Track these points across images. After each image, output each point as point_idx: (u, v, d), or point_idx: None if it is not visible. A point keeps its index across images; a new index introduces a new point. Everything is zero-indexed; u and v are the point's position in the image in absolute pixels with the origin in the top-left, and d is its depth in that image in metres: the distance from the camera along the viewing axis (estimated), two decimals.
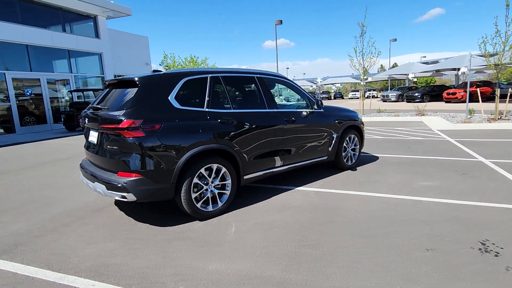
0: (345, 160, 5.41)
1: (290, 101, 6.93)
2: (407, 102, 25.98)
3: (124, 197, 3.14)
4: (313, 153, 4.84)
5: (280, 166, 4.40)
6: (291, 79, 4.90)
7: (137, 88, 3.30)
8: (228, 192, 3.74)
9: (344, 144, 5.35)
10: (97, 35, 17.50)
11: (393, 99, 28.90)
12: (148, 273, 2.52)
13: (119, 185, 3.11)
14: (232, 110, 3.82)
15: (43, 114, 14.59)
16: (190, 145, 3.33)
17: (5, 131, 13.34)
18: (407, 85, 33.90)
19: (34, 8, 14.29)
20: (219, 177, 3.65)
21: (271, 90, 4.54)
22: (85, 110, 3.87)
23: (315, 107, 4.79)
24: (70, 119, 13.48)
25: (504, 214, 3.40)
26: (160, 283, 2.38)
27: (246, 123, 3.88)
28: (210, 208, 3.58)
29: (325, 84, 53.41)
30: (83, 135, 4.05)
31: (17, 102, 13.62)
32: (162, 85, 3.40)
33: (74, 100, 15.76)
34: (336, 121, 5.16)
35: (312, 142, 4.77)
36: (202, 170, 3.46)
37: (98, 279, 2.46)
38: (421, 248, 2.77)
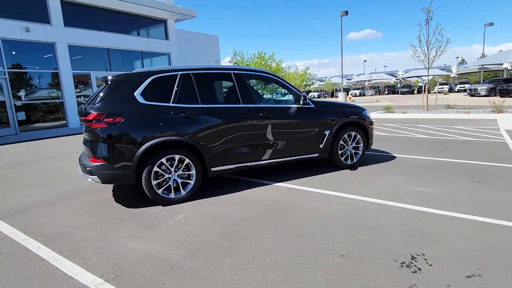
0: (342, 159, 5.11)
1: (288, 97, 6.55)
2: (501, 96, 21.99)
3: (92, 179, 3.68)
4: (299, 150, 4.73)
5: (257, 161, 4.45)
6: (277, 75, 4.86)
7: (107, 85, 3.79)
8: (192, 182, 4.00)
9: (341, 142, 5.06)
10: (166, 37, 19.44)
11: (482, 93, 24.75)
12: (82, 243, 2.97)
13: (88, 169, 3.67)
14: (199, 105, 4.04)
15: None
16: (149, 137, 3.69)
17: None
18: (504, 76, 28.59)
19: (114, 16, 16.65)
20: (182, 168, 3.93)
21: (255, 86, 4.60)
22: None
23: (301, 102, 4.65)
24: None
25: (478, 231, 2.88)
26: (82, 252, 2.80)
27: (214, 118, 4.06)
28: (172, 195, 3.90)
29: (408, 77, 48.63)
30: None
31: None
32: (130, 82, 3.82)
33: None
34: (330, 118, 4.91)
35: (296, 138, 4.66)
36: (163, 160, 3.79)
37: (44, 244, 3.01)
38: (338, 253, 2.59)
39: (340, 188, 4.23)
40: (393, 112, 14.50)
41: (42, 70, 14.23)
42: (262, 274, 2.35)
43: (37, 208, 4.04)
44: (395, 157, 5.87)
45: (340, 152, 5.09)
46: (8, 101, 13.04)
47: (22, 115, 13.49)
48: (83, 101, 15.45)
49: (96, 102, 3.69)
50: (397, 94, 45.75)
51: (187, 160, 3.92)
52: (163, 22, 19.20)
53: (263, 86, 11.25)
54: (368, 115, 5.44)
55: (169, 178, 3.89)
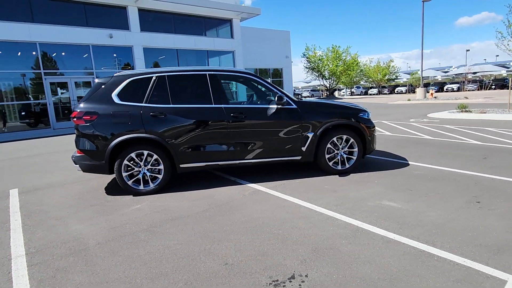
0: (330, 164, 4.75)
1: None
2: None
3: (77, 168, 4.31)
4: (278, 152, 4.59)
5: (231, 161, 4.50)
6: (258, 75, 4.74)
7: (92, 87, 4.36)
8: (160, 177, 4.31)
9: (329, 146, 4.70)
10: (231, 36, 20.35)
11: None
12: (45, 220, 3.57)
13: (73, 159, 4.31)
14: (168, 105, 4.30)
15: None
16: (119, 133, 4.12)
17: None
18: None
19: (183, 19, 18.23)
20: (151, 163, 4.27)
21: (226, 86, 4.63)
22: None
23: (279, 102, 4.47)
24: None
25: (401, 259, 2.43)
26: (37, 227, 3.37)
27: (182, 118, 4.28)
28: (141, 187, 4.28)
29: None
30: None
31: None
32: (110, 84, 4.30)
33: None
34: (314, 120, 4.61)
35: (272, 139, 4.54)
36: (133, 155, 4.19)
37: (22, 216, 3.71)
38: (224, 261, 2.54)
39: (305, 195, 3.98)
40: (469, 111, 12.34)
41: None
42: (137, 269, 2.49)
43: (52, 188, 4.93)
44: (407, 165, 5.14)
45: (327, 156, 4.73)
46: None
47: None
48: None
49: (81, 101, 4.29)
50: (507, 89, 38.23)
51: (155, 156, 4.25)
52: (229, 21, 20.14)
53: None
54: (367, 117, 4.90)
55: (139, 171, 4.28)
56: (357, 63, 36.05)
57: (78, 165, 4.26)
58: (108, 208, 3.88)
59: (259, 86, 4.76)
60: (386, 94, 43.74)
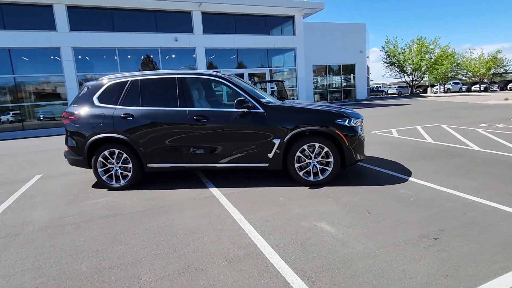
0: (301, 173, 4.32)
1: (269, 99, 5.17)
2: None
3: (67, 162, 4.92)
4: (242, 157, 4.40)
5: (195, 163, 4.52)
6: (227, 77, 4.55)
7: (81, 90, 4.88)
8: (129, 174, 4.60)
9: (299, 154, 4.28)
10: (293, 33, 19.96)
11: None
12: (26, 202, 4.19)
13: (63, 153, 4.93)
14: (137, 108, 4.53)
15: None
16: (93, 133, 4.53)
17: None
18: None
19: (244, 19, 18.68)
20: (122, 161, 4.59)
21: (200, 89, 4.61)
22: None
23: (238, 106, 4.24)
24: None
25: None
26: (11, 208, 3.99)
27: (147, 120, 4.47)
28: (113, 183, 4.65)
29: None
30: None
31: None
32: (93, 87, 4.76)
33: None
34: (282, 125, 4.25)
35: (235, 144, 4.37)
36: (106, 153, 4.57)
37: (15, 197, 4.44)
38: (97, 265, 2.61)
39: (248, 206, 3.73)
40: None
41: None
42: (29, 259, 2.75)
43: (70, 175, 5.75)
44: (404, 181, 4.32)
45: (297, 165, 4.32)
46: None
47: None
48: None
49: (70, 103, 4.86)
50: None
51: (125, 155, 4.55)
52: (291, 18, 19.80)
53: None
54: (348, 123, 4.28)
55: (112, 168, 4.65)
56: (449, 56, 31.04)
57: (67, 159, 4.86)
58: (77, 199, 4.34)
59: (230, 89, 4.59)
60: (495, 90, 36.63)
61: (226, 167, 4.51)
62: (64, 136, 4.89)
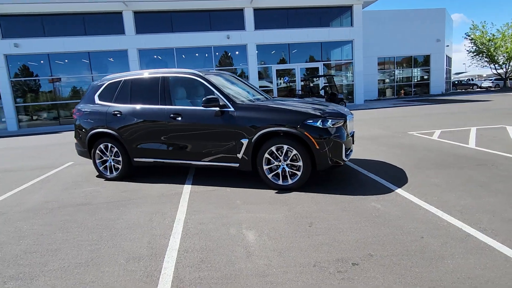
0: (270, 176, 4.09)
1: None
2: None
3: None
4: (215, 156, 4.36)
5: (173, 160, 4.65)
6: (203, 76, 4.48)
7: (87, 88, 5.42)
8: (120, 167, 4.97)
9: (267, 156, 4.05)
10: (351, 24, 18.64)
11: None
12: (44, 186, 4.89)
13: (74, 145, 5.56)
14: (125, 105, 4.84)
15: (291, 96, 18.71)
16: (91, 128, 5.02)
17: None
18: None
19: (297, 12, 18.17)
20: (114, 154, 4.98)
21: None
22: None
23: (205, 105, 4.17)
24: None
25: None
26: (29, 191, 4.70)
27: (132, 117, 4.75)
28: (108, 174, 5.09)
29: None
30: None
31: (278, 86, 18.70)
32: (96, 86, 5.24)
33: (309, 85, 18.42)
34: (250, 125, 4.07)
35: (206, 143, 4.35)
36: (102, 146, 5.02)
37: (37, 180, 5.21)
38: (24, 249, 2.92)
39: (196, 205, 3.71)
40: None
41: (237, 66, 18.42)
42: None
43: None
44: (388, 192, 3.74)
45: (266, 167, 4.10)
46: None
47: None
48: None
49: (80, 101, 5.45)
50: None
51: (115, 149, 4.94)
52: (349, 8, 18.51)
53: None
54: (321, 125, 3.86)
55: (107, 160, 5.08)
56: None
57: (76, 150, 5.49)
58: (73, 187, 4.87)
59: (205, 86, 4.55)
60: None
61: (201, 165, 4.53)
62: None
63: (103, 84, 5.18)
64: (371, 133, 8.28)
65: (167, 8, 17.05)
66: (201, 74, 4.59)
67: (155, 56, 17.92)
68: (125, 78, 5.02)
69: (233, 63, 18.49)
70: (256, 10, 17.63)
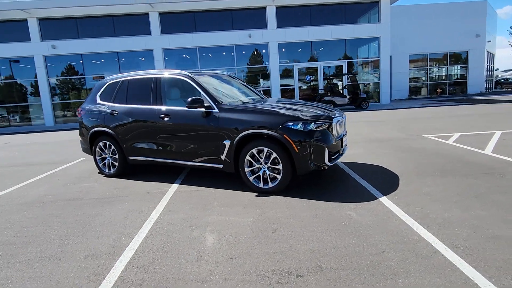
0: (251, 179, 4.04)
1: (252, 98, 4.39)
2: None
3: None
4: (201, 157, 4.39)
5: (164, 159, 4.75)
6: (191, 76, 4.49)
7: (91, 89, 5.68)
8: (117, 164, 5.17)
9: (248, 158, 4.00)
10: (378, 20, 17.85)
11: None
12: (52, 180, 5.23)
13: (79, 142, 5.86)
14: (121, 105, 5.00)
15: (313, 95, 18.29)
16: (92, 126, 5.25)
17: None
18: None
19: (321, 9, 17.71)
20: (111, 152, 5.18)
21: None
22: None
23: (189, 106, 4.18)
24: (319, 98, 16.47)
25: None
26: (34, 185, 5.05)
27: (126, 116, 4.91)
28: (106, 170, 5.31)
29: None
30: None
31: (300, 85, 18.40)
32: (98, 87, 5.47)
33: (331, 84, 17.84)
34: (233, 127, 4.04)
35: (194, 143, 4.39)
36: (101, 144, 5.25)
37: (46, 174, 5.57)
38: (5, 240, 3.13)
39: (173, 205, 3.75)
40: None
41: (258, 65, 18.39)
42: None
43: None
44: (371, 200, 3.54)
45: (248, 169, 4.05)
46: None
47: None
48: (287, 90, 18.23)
49: (84, 100, 5.72)
50: None
51: (113, 147, 5.14)
52: (376, 4, 17.72)
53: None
54: (302, 128, 3.73)
55: (105, 157, 5.30)
56: None
57: (81, 148, 5.78)
58: (74, 182, 5.14)
59: (194, 88, 4.56)
60: None
61: (189, 166, 4.58)
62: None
63: (105, 84, 5.40)
64: (383, 135, 7.89)
65: (191, 8, 17.39)
66: (189, 74, 4.62)
67: (180, 55, 18.38)
68: (124, 78, 5.20)
69: (254, 62, 18.48)
70: (278, 8, 17.46)
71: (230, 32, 17.60)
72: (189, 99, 4.21)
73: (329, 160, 3.94)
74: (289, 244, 2.70)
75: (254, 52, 18.31)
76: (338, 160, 4.33)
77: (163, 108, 4.63)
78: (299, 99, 18.30)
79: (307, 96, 18.38)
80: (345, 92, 17.44)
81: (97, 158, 5.37)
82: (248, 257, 2.54)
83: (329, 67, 18.61)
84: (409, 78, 23.70)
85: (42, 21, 17.65)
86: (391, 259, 2.39)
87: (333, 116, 4.12)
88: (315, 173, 4.67)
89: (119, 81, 5.23)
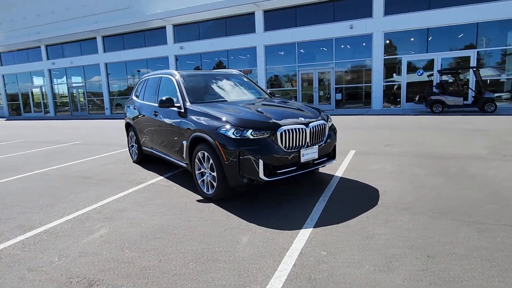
0: (199, 181, 4.01)
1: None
2: None
3: None
4: (175, 155, 4.63)
5: (159, 152, 5.22)
6: (175, 76, 4.65)
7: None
8: (137, 152, 6.00)
9: (196, 161, 3.98)
10: None
11: None
12: (100, 157, 6.65)
13: None
14: (138, 100, 5.75)
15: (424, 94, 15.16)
16: (125, 118, 6.25)
17: (395, 104, 16.29)
18: None
19: None
20: (134, 141, 6.05)
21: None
22: None
23: (160, 105, 4.39)
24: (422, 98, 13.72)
25: None
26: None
27: (138, 111, 5.63)
28: (133, 157, 6.25)
29: None
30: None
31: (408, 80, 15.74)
32: (136, 84, 6.38)
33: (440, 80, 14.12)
34: (189, 127, 4.07)
35: (168, 141, 4.68)
36: (131, 133, 6.19)
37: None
38: None
39: (122, 197, 4.13)
40: None
41: (359, 59, 16.73)
42: None
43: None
44: (296, 229, 2.99)
45: (197, 172, 4.03)
46: (333, 84, 17.29)
47: (338, 96, 17.33)
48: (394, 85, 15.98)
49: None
50: None
51: (134, 137, 5.99)
52: None
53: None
54: (233, 135, 3.42)
55: (133, 146, 6.22)
56: None
57: None
58: (115, 163, 6.28)
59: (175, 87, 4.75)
60: None
61: (171, 161, 4.87)
62: None
63: (138, 82, 6.30)
64: (454, 150, 6.08)
65: (294, 3, 17.35)
66: (174, 73, 4.87)
67: (279, 51, 18.75)
68: (148, 77, 5.91)
69: (354, 56, 16.92)
70: None
71: (329, 25, 16.66)
72: (160, 99, 4.45)
73: (270, 175, 3.48)
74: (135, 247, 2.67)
75: (355, 46, 16.75)
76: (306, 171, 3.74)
77: (155, 105, 5.08)
78: (408, 97, 15.75)
79: (417, 94, 15.56)
80: (470, 91, 13.85)
81: (128, 145, 6.37)
82: (92, 254, 2.67)
83: (452, 59, 15.05)
84: None
85: (176, 26, 21.28)
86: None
87: (281, 125, 3.54)
88: (290, 180, 4.19)
89: (146, 79, 5.95)
